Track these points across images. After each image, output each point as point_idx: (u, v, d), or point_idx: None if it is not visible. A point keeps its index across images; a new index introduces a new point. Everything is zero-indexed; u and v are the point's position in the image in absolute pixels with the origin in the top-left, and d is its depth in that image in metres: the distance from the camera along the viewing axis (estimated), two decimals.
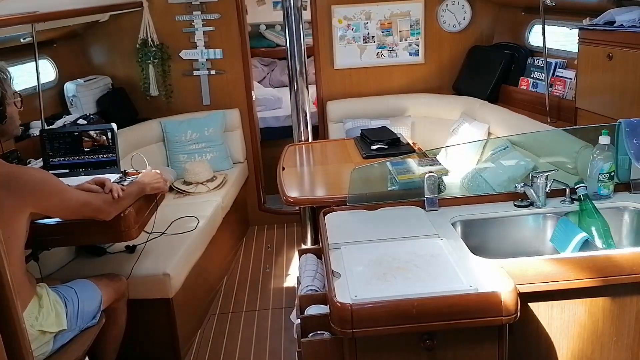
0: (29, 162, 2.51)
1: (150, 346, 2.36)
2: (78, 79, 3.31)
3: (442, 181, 1.89)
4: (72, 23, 3.04)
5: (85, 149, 2.24)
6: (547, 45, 2.92)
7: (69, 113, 3.21)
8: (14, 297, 0.76)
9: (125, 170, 2.23)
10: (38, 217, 1.78)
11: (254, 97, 3.77)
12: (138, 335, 2.28)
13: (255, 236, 3.75)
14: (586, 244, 1.59)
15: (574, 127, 2.44)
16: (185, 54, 3.60)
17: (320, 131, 3.82)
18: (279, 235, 3.73)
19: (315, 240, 3.40)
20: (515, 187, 1.77)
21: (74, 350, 1.75)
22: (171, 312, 2.33)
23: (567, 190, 1.76)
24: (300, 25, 3.39)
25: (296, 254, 3.11)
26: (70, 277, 1.97)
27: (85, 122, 3.02)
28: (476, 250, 1.52)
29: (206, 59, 3.61)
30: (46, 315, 1.67)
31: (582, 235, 1.59)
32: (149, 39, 3.49)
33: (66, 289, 1.82)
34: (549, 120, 2.84)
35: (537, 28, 3.28)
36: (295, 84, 3.50)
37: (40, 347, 1.66)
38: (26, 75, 3.00)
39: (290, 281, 3.09)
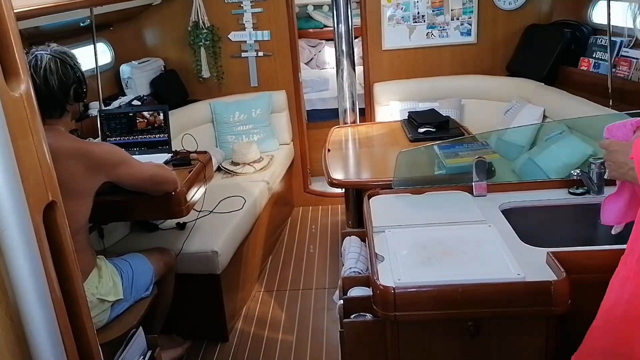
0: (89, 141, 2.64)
1: (199, 319, 2.46)
2: (133, 61, 3.42)
3: (492, 166, 1.84)
4: (127, 6, 3.14)
5: (140, 129, 2.32)
6: (612, 23, 2.73)
7: (124, 94, 3.34)
8: (76, 267, 0.81)
9: (176, 150, 2.30)
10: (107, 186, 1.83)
11: (300, 79, 3.78)
12: (187, 308, 2.38)
13: (300, 217, 3.80)
14: None
15: None
16: (234, 36, 3.64)
17: (366, 113, 3.78)
18: (323, 216, 3.76)
19: (359, 223, 3.40)
20: (571, 173, 1.69)
21: (129, 319, 1.85)
22: (218, 288, 2.41)
23: None
24: (349, 6, 3.34)
25: (340, 236, 3.12)
26: (125, 250, 2.08)
27: (139, 103, 3.13)
28: (526, 238, 1.47)
29: (254, 41, 3.64)
30: (105, 285, 1.78)
31: None
32: (200, 22, 3.56)
33: (122, 262, 1.93)
34: (610, 103, 2.67)
35: (602, 4, 3.07)
36: (342, 65, 3.47)
37: (99, 315, 1.77)
38: (84, 58, 3.13)
39: (333, 262, 3.12)
